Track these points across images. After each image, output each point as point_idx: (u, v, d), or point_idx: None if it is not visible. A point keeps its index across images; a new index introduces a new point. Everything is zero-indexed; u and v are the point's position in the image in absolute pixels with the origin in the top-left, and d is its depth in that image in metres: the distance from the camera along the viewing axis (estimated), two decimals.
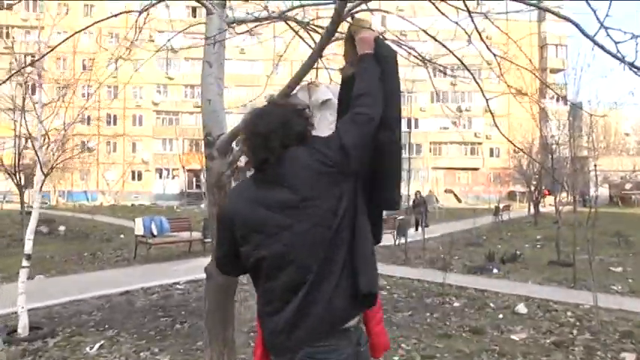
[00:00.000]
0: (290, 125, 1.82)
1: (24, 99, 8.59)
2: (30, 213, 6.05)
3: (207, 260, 3.69)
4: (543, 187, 24.65)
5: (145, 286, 8.42)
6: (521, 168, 25.20)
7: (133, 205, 36.70)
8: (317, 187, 1.72)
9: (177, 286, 8.63)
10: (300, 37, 3.89)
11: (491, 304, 7.52)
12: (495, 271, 10.51)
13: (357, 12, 2.34)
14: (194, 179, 45.39)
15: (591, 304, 6.90)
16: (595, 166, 15.05)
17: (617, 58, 1.83)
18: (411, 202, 22.20)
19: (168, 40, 3.73)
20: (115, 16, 3.07)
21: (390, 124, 1.96)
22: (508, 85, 3.13)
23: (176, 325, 6.26)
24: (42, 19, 8.58)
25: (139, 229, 11.61)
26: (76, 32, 3.24)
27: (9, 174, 11.70)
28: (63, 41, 3.30)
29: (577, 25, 1.83)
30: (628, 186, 36.56)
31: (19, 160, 11.37)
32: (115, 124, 42.05)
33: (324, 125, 2.32)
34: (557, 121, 19.45)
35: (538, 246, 15.52)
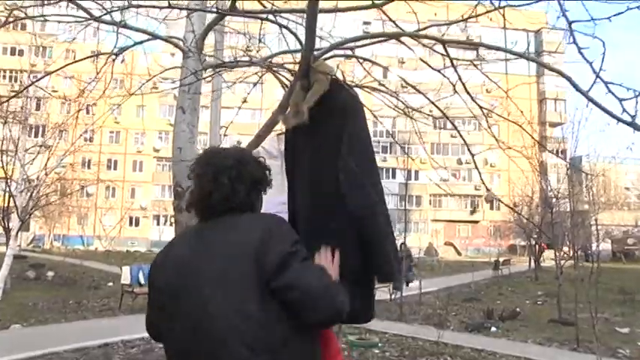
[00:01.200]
0: (245, 165, 1.63)
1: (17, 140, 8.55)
2: (21, 256, 5.82)
3: None
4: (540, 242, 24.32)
5: (125, 339, 8.01)
6: (522, 221, 24.89)
7: (128, 251, 36.17)
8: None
9: None
10: (283, 84, 3.79)
11: None
12: (494, 329, 10.08)
13: (328, 58, 2.21)
14: None
15: None
16: (596, 220, 14.85)
17: (612, 116, 1.67)
18: None
19: (141, 86, 3.60)
20: (81, 60, 2.95)
21: (358, 207, 1.79)
22: (496, 139, 2.97)
23: None
24: (49, 65, 8.73)
25: (125, 278, 11.24)
26: (48, 73, 3.12)
27: None
28: (34, 82, 3.18)
29: (569, 80, 1.68)
30: (631, 241, 36.07)
31: (8, 203, 11.17)
32: (115, 168, 42.20)
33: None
34: (557, 175, 19.43)
35: (539, 302, 15.05)
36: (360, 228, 1.80)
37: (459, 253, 42.41)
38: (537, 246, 24.42)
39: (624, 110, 1.65)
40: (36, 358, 6.82)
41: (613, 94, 1.55)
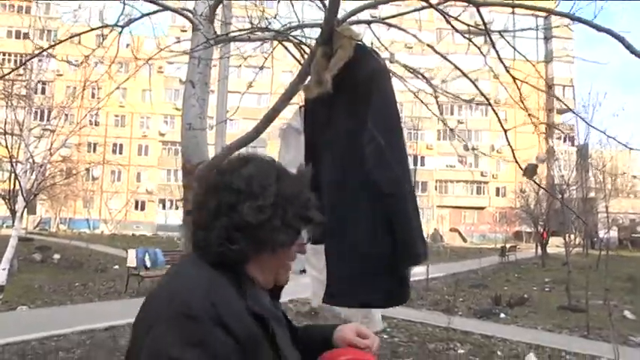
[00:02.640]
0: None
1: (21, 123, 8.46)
2: (27, 239, 5.75)
3: None
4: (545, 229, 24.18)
5: (131, 322, 7.94)
6: (529, 208, 24.71)
7: (133, 234, 36.30)
8: None
9: None
10: (296, 59, 3.62)
11: (499, 352, 7.04)
12: (502, 315, 9.99)
13: (353, 23, 2.04)
14: None
15: (608, 357, 6.40)
16: (607, 208, 14.65)
17: None
18: None
19: (149, 60, 3.44)
20: (86, 32, 2.81)
21: (382, 184, 1.65)
22: (498, 118, 2.83)
23: None
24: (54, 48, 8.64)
25: (131, 261, 11.19)
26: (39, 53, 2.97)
27: (3, 199, 11.42)
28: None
29: (622, 40, 1.51)
30: (639, 228, 35.85)
31: (14, 184, 11.10)
32: (120, 152, 42.16)
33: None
34: (565, 161, 19.20)
35: (546, 289, 14.95)
36: (385, 207, 1.68)
37: (464, 240, 42.28)
38: (545, 232, 24.27)
39: None
40: (42, 340, 6.77)
41: None
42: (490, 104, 2.83)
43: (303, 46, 3.49)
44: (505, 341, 7.67)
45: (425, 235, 1.93)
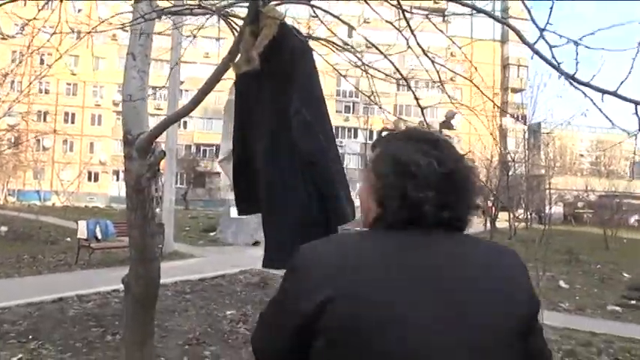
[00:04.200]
0: None
1: None
2: None
3: None
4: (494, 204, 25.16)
5: (80, 294, 7.93)
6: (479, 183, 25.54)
7: (86, 206, 35.42)
8: None
9: (116, 293, 8.18)
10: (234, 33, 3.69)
11: None
12: None
13: (279, 3, 2.14)
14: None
15: (542, 322, 6.89)
16: (549, 184, 15.42)
17: (553, 66, 1.70)
18: None
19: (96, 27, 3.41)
20: None
21: (308, 153, 1.78)
22: (449, 96, 3.00)
23: (107, 336, 5.86)
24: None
25: (82, 233, 11.01)
26: None
27: None
28: None
29: (517, 32, 1.68)
30: (580, 204, 37.73)
31: None
32: (72, 122, 40.73)
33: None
34: (515, 139, 19.93)
35: None
36: (313, 172, 1.83)
37: None
38: (494, 208, 25.24)
39: (553, 58, 1.69)
40: None
41: (546, 41, 1.58)
42: (442, 83, 2.99)
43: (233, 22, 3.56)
44: None
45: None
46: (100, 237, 11.12)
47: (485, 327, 0.98)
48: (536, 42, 1.65)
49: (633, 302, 9.78)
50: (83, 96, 43.61)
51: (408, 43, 2.56)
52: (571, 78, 1.59)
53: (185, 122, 39.87)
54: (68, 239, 15.39)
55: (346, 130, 47.43)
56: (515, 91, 50.42)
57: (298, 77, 1.75)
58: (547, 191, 19.13)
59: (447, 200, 1.04)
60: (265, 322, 1.15)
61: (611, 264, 15.68)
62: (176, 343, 5.73)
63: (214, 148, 41.00)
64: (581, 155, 74.42)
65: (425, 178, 1.03)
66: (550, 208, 21.27)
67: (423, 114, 3.09)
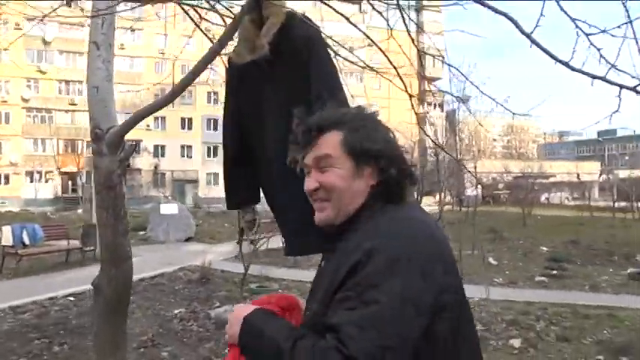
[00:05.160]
0: None
1: None
2: None
3: (88, 271, 3.28)
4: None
5: (13, 305, 7.36)
6: None
7: None
8: None
9: (54, 301, 7.70)
10: (198, 26, 3.61)
11: None
12: None
13: None
14: (69, 182, 41.75)
15: (479, 297, 7.37)
16: (475, 168, 16.33)
17: (553, 57, 1.82)
18: None
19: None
20: None
21: None
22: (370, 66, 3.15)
23: (54, 347, 5.51)
24: None
25: (6, 239, 10.15)
26: None
27: None
28: None
29: (515, 23, 1.79)
30: (501, 186, 40.21)
31: None
32: None
33: None
34: (434, 126, 20.89)
35: None
36: None
37: None
38: (420, 192, 26.28)
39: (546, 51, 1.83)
40: None
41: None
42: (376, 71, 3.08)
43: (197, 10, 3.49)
44: None
45: None
46: (27, 242, 10.34)
47: None
48: (532, 32, 1.77)
49: (555, 272, 10.66)
50: None
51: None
52: (566, 65, 1.73)
53: None
54: None
55: None
56: (431, 80, 52.70)
57: (316, 65, 1.76)
58: (467, 175, 20.31)
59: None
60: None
61: (530, 239, 16.90)
62: (131, 347, 5.49)
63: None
64: (494, 140, 79.54)
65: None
66: (473, 191, 22.65)
67: None
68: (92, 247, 11.48)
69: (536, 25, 1.75)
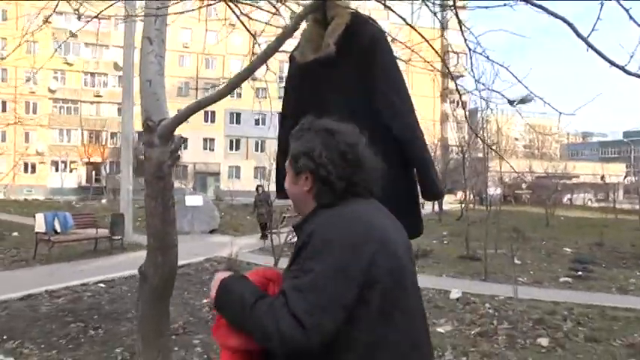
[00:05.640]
0: None
1: None
2: None
3: (115, 259, 3.39)
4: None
5: (49, 289, 7.60)
6: None
7: (26, 199, 33.56)
8: None
9: (87, 287, 7.92)
10: (241, 21, 3.69)
11: None
12: None
13: None
14: (93, 172, 42.50)
15: (505, 295, 7.36)
16: (500, 166, 16.17)
17: (610, 62, 1.84)
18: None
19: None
20: None
21: (400, 133, 1.90)
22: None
23: (89, 331, 5.70)
24: None
25: (40, 226, 10.47)
26: None
27: None
28: None
29: (571, 26, 1.81)
30: (524, 185, 39.71)
31: None
32: (4, 110, 38.17)
33: None
34: (456, 124, 20.73)
35: (445, 242, 16.28)
36: (404, 152, 1.93)
37: None
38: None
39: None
40: None
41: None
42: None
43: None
44: None
45: None
46: (59, 230, 10.63)
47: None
48: (589, 35, 1.80)
49: (579, 273, 10.55)
50: (15, 83, 40.93)
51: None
52: (622, 69, 1.75)
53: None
54: (15, 234, 14.62)
55: None
56: (455, 78, 52.08)
57: (382, 64, 1.82)
58: (489, 174, 20.11)
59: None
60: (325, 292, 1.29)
61: (553, 239, 16.71)
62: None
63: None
64: (516, 139, 78.40)
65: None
66: (496, 190, 22.42)
67: None
68: (120, 237, 11.74)
69: (593, 29, 1.78)
